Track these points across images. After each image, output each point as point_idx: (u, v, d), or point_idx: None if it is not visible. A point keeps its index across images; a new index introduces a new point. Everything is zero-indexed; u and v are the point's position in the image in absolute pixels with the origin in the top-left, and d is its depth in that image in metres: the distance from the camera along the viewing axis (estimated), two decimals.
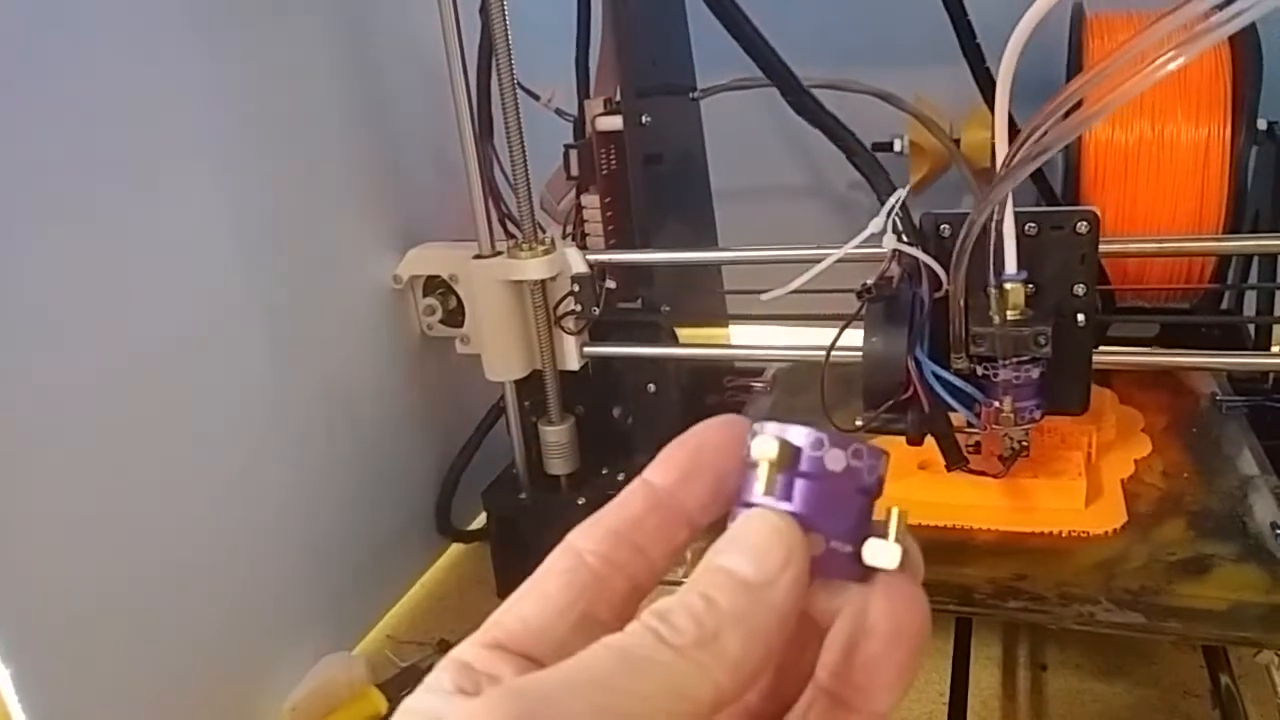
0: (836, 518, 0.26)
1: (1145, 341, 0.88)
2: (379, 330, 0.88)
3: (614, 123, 0.83)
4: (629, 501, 0.27)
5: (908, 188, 0.63)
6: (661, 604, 0.24)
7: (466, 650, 0.25)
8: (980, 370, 0.64)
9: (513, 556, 0.89)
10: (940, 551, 0.66)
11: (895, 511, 0.26)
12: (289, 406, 0.78)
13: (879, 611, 0.26)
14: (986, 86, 0.85)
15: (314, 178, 0.80)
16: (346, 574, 0.84)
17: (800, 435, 0.26)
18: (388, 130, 0.88)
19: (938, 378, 0.62)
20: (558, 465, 0.89)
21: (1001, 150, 0.56)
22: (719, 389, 0.93)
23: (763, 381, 0.93)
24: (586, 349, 0.86)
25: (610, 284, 0.85)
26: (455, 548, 1.00)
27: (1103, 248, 0.79)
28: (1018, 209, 0.60)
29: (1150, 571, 0.63)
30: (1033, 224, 0.63)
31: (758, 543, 0.25)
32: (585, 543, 0.26)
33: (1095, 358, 0.73)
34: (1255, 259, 0.87)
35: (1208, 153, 0.80)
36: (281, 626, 0.78)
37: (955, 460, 0.67)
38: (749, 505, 0.26)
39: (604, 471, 0.89)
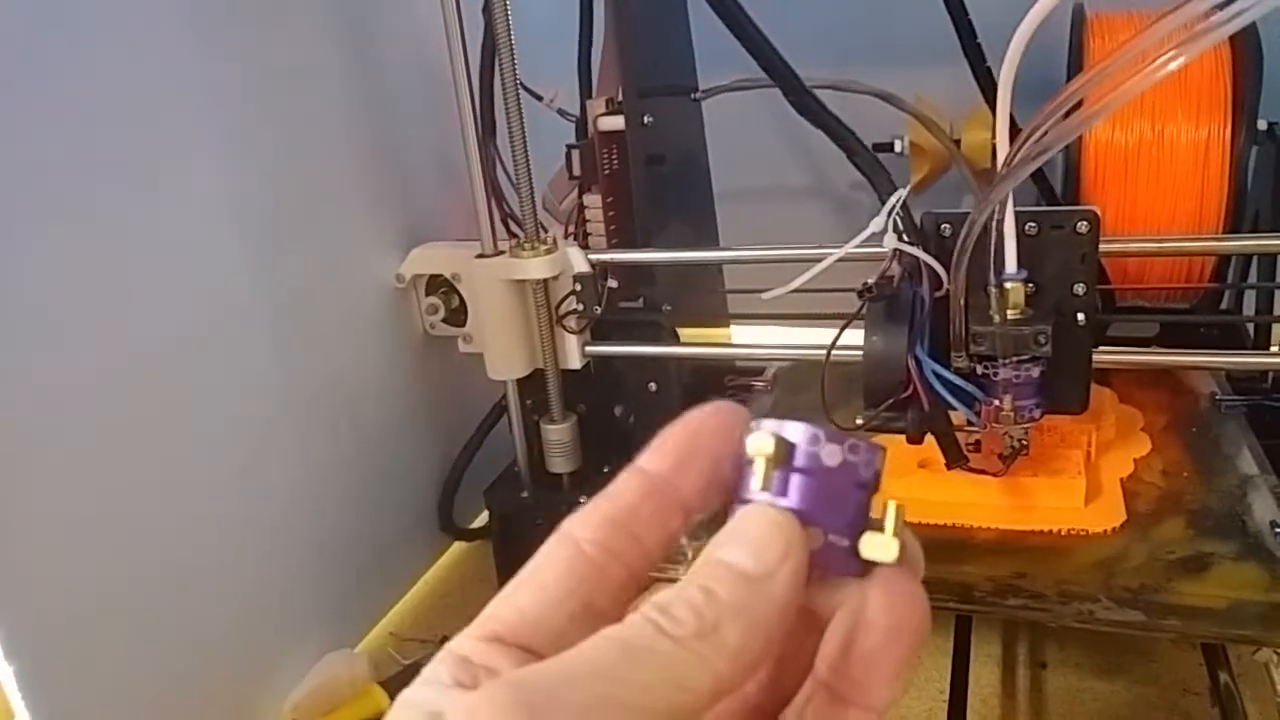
0: (834, 512, 0.26)
1: (1145, 341, 0.88)
2: (382, 329, 0.89)
3: (616, 123, 0.83)
4: (624, 489, 0.27)
5: (908, 188, 0.63)
6: (661, 596, 0.24)
7: (463, 643, 0.25)
8: (980, 369, 0.64)
9: (515, 554, 0.89)
10: (940, 549, 0.67)
11: (893, 505, 0.26)
12: (291, 405, 0.78)
13: (878, 607, 0.26)
14: (987, 86, 0.86)
15: (316, 177, 0.80)
16: (349, 572, 0.84)
17: (796, 431, 0.26)
18: (390, 130, 0.88)
19: (938, 376, 0.62)
20: (560, 464, 0.89)
21: (1002, 150, 0.56)
22: (720, 388, 0.93)
23: (764, 381, 0.94)
24: (588, 348, 0.86)
25: (612, 283, 0.85)
26: (457, 546, 1.00)
27: (1103, 247, 0.79)
28: (1018, 208, 0.60)
29: (1150, 570, 0.63)
30: (1033, 223, 0.63)
31: (757, 536, 0.25)
32: (582, 531, 0.26)
33: (1095, 357, 0.73)
34: (1255, 259, 0.87)
35: (1208, 153, 0.80)
36: (284, 624, 0.78)
37: (955, 459, 0.67)
38: (746, 502, 0.26)
39: (605, 470, 0.89)
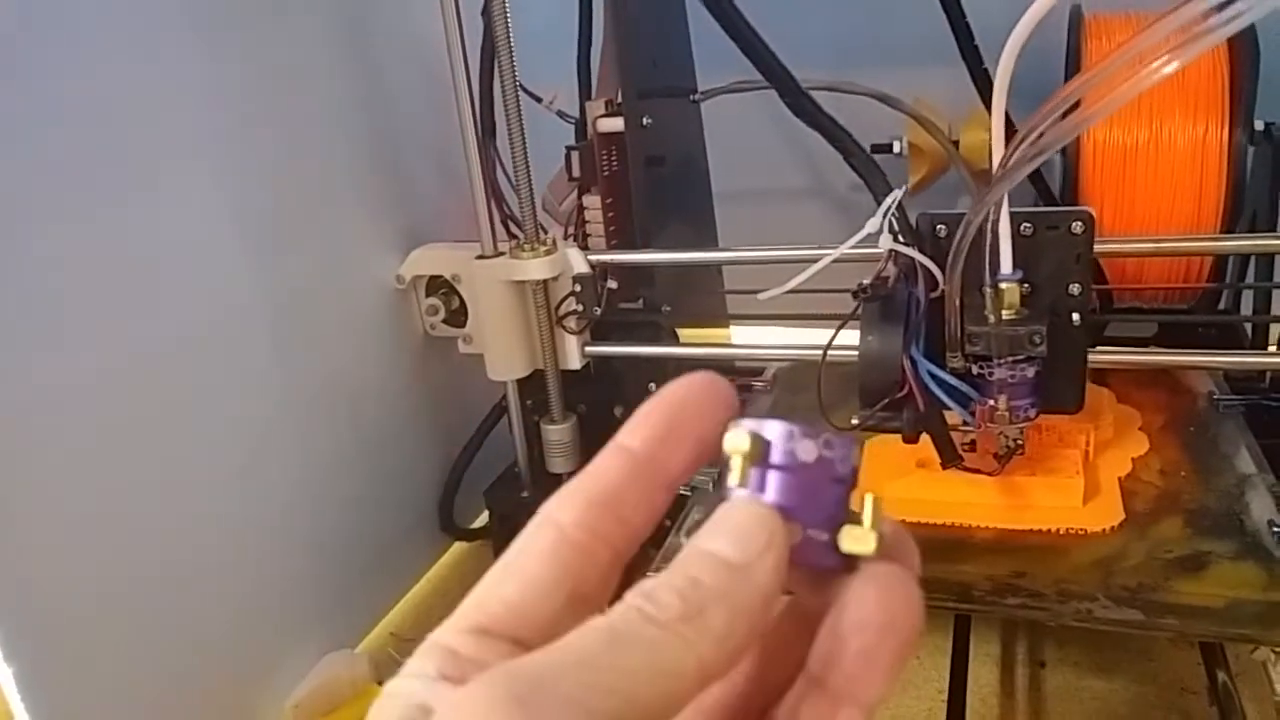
0: (811, 507, 0.26)
1: (1143, 341, 0.88)
2: (382, 330, 0.89)
3: (615, 124, 0.83)
4: (608, 469, 0.27)
5: (904, 188, 0.63)
6: (645, 584, 0.24)
7: (449, 636, 0.25)
8: (976, 369, 0.64)
9: None
10: (939, 549, 0.67)
11: (870, 498, 0.26)
12: (291, 406, 0.78)
13: (872, 602, 0.26)
14: (985, 88, 0.86)
15: (316, 178, 0.80)
16: (349, 572, 0.85)
17: (773, 429, 0.26)
18: (390, 131, 0.88)
19: (932, 376, 0.62)
20: (559, 464, 0.89)
21: (998, 152, 0.56)
22: None
23: (763, 381, 0.94)
24: (588, 348, 0.86)
25: (611, 284, 0.85)
26: (458, 546, 1.00)
27: (1101, 248, 0.80)
28: (1013, 209, 0.60)
29: (1148, 569, 0.63)
30: (1028, 224, 0.63)
31: (739, 526, 0.25)
32: (566, 514, 0.26)
33: (1093, 357, 0.73)
34: (1252, 258, 0.87)
35: (1205, 153, 0.81)
36: (284, 625, 0.78)
37: (950, 458, 0.67)
38: (723, 499, 0.26)
39: None
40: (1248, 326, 0.88)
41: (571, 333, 0.85)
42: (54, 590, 0.59)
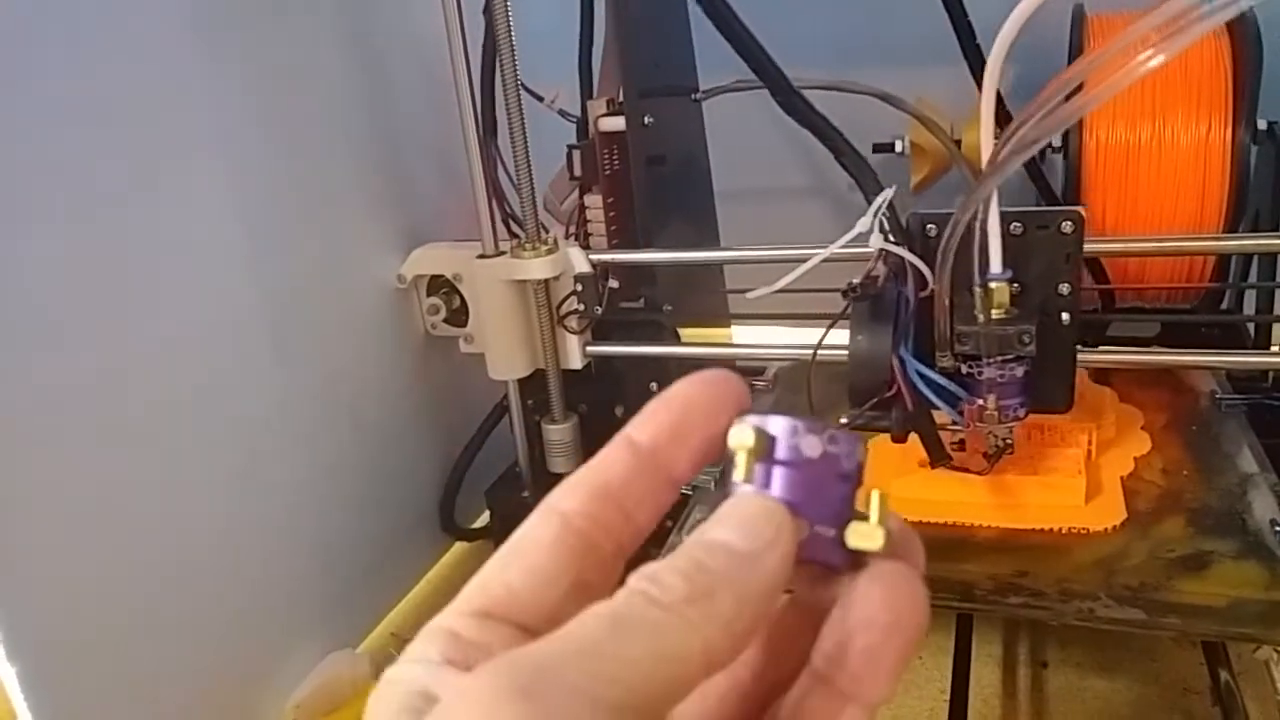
0: (817, 503, 0.26)
1: (1146, 340, 0.88)
2: (383, 330, 0.89)
3: (617, 124, 0.83)
4: (613, 462, 0.27)
5: (893, 188, 0.63)
6: (648, 568, 0.24)
7: (452, 619, 0.25)
8: (965, 368, 0.64)
9: None
10: (941, 548, 0.67)
11: (876, 494, 0.26)
12: (292, 406, 0.78)
13: (878, 601, 0.26)
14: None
15: (318, 178, 0.80)
16: (351, 572, 0.85)
17: (777, 424, 0.26)
18: (392, 131, 0.88)
19: (921, 376, 0.62)
20: (561, 464, 0.89)
21: (987, 148, 0.56)
22: None
23: (765, 380, 0.94)
24: (589, 348, 0.86)
25: (613, 283, 0.85)
26: (459, 546, 1.00)
27: (1103, 247, 0.80)
28: (1003, 209, 0.60)
29: (1150, 568, 0.63)
30: (1018, 224, 0.64)
31: (746, 518, 0.25)
32: (571, 504, 0.26)
33: (1096, 357, 0.73)
34: (1255, 258, 0.87)
35: (1208, 152, 0.80)
36: (286, 625, 0.78)
37: (938, 457, 0.67)
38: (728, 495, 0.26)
39: None
40: (1250, 326, 0.88)
41: (573, 332, 0.85)
42: (56, 590, 0.59)
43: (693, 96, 0.91)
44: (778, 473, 0.26)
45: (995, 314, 0.61)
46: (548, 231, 0.84)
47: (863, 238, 0.62)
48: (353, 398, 0.85)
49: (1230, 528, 0.66)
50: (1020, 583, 0.64)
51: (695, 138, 0.93)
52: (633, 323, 0.87)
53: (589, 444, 0.90)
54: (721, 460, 0.27)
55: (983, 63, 0.79)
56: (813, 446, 0.26)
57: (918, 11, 0.84)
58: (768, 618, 0.24)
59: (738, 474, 0.26)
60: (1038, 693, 0.76)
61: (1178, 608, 0.60)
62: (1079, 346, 0.68)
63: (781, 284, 0.64)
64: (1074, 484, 0.69)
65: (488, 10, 0.78)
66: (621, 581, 0.25)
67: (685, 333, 0.87)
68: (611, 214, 0.86)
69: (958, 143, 0.92)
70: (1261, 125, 0.81)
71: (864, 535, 0.26)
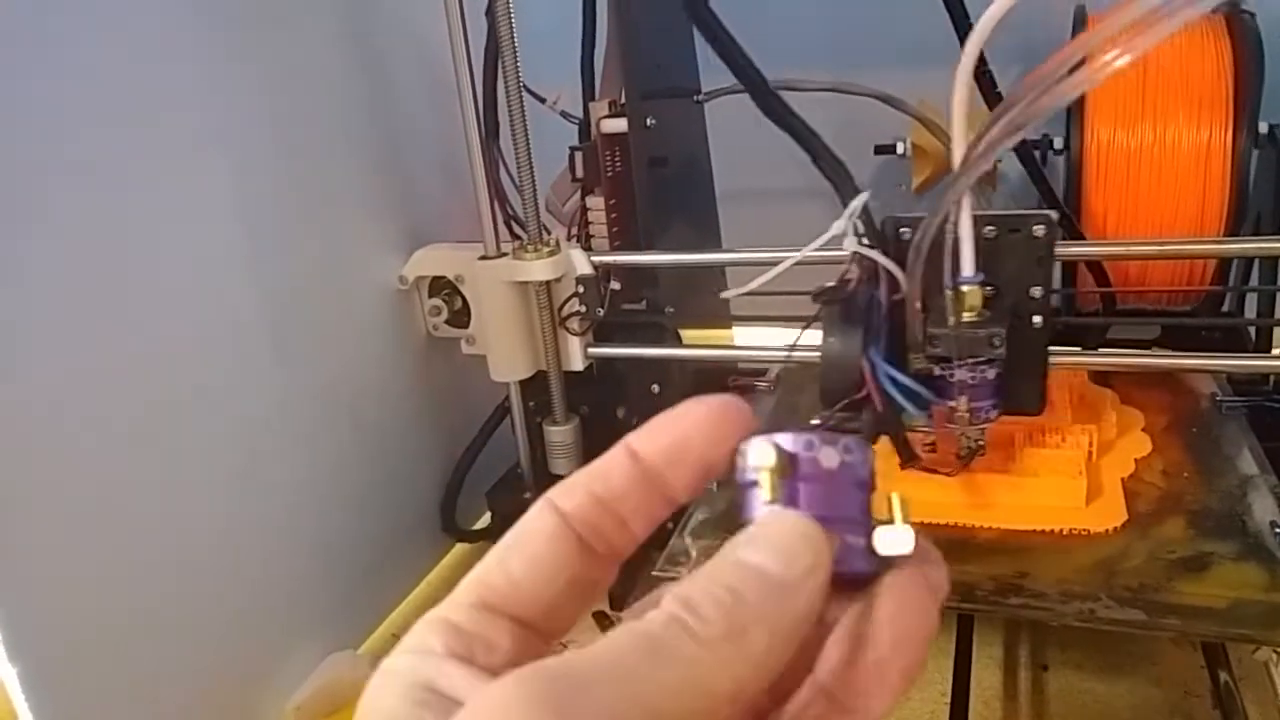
0: (844, 514, 0.26)
1: (1147, 343, 0.88)
2: (385, 331, 0.89)
3: (619, 125, 0.83)
4: (613, 471, 0.27)
5: (867, 193, 0.64)
6: (686, 593, 0.23)
7: (453, 610, 0.25)
8: (938, 370, 0.64)
9: None
10: (942, 549, 0.66)
11: (895, 497, 0.26)
12: (294, 406, 0.78)
13: (887, 616, 0.26)
14: (988, 90, 0.86)
15: (319, 178, 0.80)
16: (352, 573, 0.85)
17: (789, 441, 0.26)
18: (394, 132, 0.88)
19: (890, 378, 0.63)
20: (562, 465, 0.89)
21: (959, 150, 0.56)
22: (722, 389, 0.93)
23: (766, 382, 0.94)
24: (591, 350, 0.86)
25: (614, 285, 0.85)
26: (460, 547, 1.00)
27: (1104, 250, 0.80)
28: (976, 212, 0.61)
29: (1150, 569, 0.63)
30: (991, 227, 0.64)
31: (786, 545, 0.24)
32: (568, 504, 0.26)
33: (1097, 360, 0.73)
34: (1256, 261, 0.87)
35: (1209, 156, 0.80)
36: (286, 626, 0.78)
37: (907, 458, 0.67)
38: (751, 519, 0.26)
39: None
40: (1251, 329, 0.88)
41: (574, 334, 0.85)
42: (56, 590, 0.59)
43: (695, 98, 0.91)
44: (802, 489, 0.26)
45: (967, 317, 0.62)
46: (549, 233, 0.84)
47: (837, 240, 0.62)
48: (354, 398, 0.85)
49: (1230, 529, 0.66)
50: (1021, 584, 0.64)
51: (697, 139, 0.94)
52: (634, 324, 0.87)
53: (590, 445, 0.90)
54: (730, 476, 0.27)
55: (984, 65, 0.80)
56: (830, 458, 0.26)
57: (919, 13, 0.84)
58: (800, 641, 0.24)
59: (765, 494, 0.26)
60: (1038, 695, 0.76)
61: (1178, 609, 0.60)
62: (1080, 349, 0.68)
63: (753, 285, 0.65)
64: (1075, 485, 0.69)
65: (490, 12, 0.78)
66: (622, 581, 0.25)
67: (687, 334, 0.87)
68: (613, 215, 0.86)
69: None
70: (1263, 129, 0.81)
71: (894, 540, 0.26)
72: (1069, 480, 0.70)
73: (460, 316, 0.90)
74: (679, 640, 0.22)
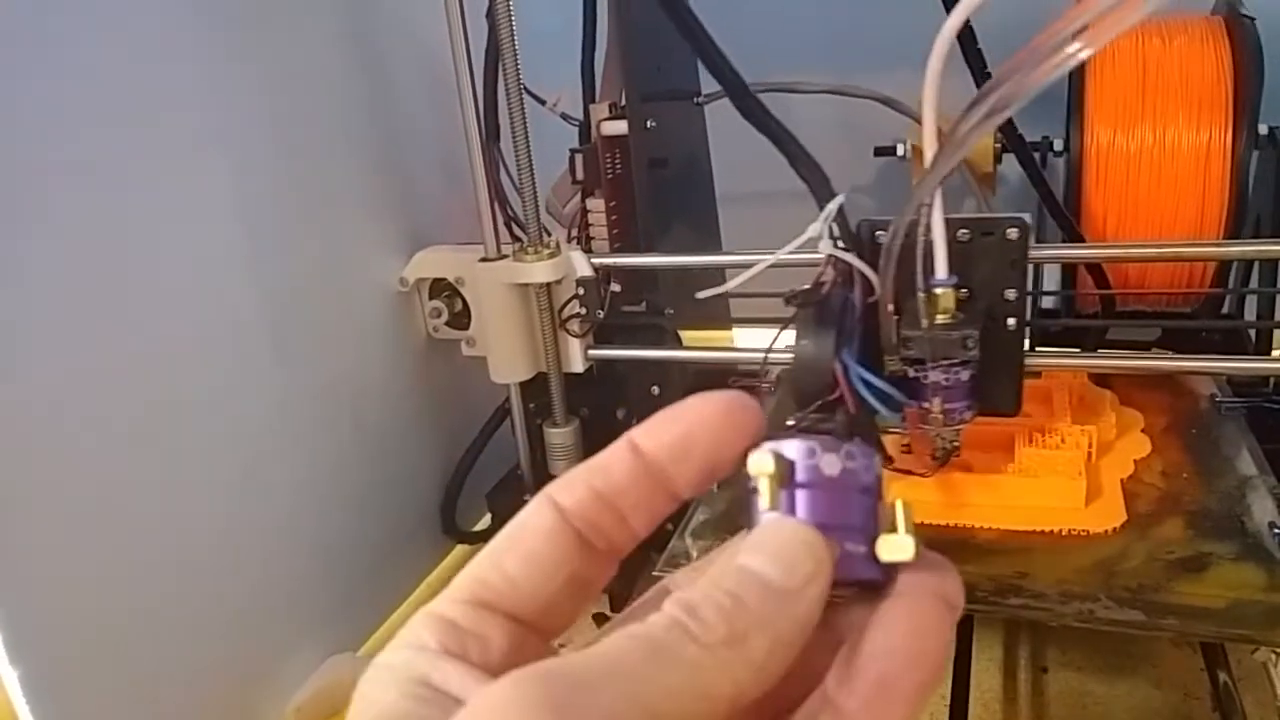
0: (845, 521, 0.26)
1: (1146, 344, 0.88)
2: (385, 332, 0.89)
3: (619, 127, 0.83)
4: (615, 466, 0.27)
5: (842, 196, 0.64)
6: (687, 597, 0.23)
7: (448, 606, 0.25)
8: (913, 372, 0.64)
9: None
10: (942, 550, 0.65)
11: (899, 504, 0.26)
12: (294, 408, 0.78)
13: (902, 631, 0.25)
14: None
15: (321, 180, 0.80)
16: (351, 575, 0.85)
17: (793, 448, 0.26)
18: (394, 134, 0.88)
19: (862, 380, 0.63)
20: (562, 467, 0.89)
21: (929, 151, 0.56)
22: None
23: (766, 383, 0.94)
24: (591, 351, 0.86)
25: (615, 287, 0.85)
26: (460, 549, 1.00)
27: (1104, 253, 0.80)
28: (949, 215, 0.61)
29: (1149, 570, 0.63)
30: (964, 230, 0.65)
31: (787, 553, 0.24)
32: (568, 499, 0.26)
33: (1097, 362, 0.73)
34: (1256, 263, 0.87)
35: (1209, 158, 0.81)
36: (286, 628, 0.78)
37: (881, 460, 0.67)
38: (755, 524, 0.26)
39: None
40: (1251, 331, 0.88)
41: (574, 336, 0.85)
42: (57, 592, 0.59)
43: (695, 100, 0.91)
44: (801, 496, 0.26)
45: (940, 319, 0.62)
46: (550, 235, 0.84)
47: (812, 242, 0.63)
48: (354, 400, 0.85)
49: (1229, 530, 0.66)
50: (1020, 584, 0.64)
51: (697, 141, 0.94)
52: (634, 326, 0.87)
53: (590, 447, 0.89)
54: (733, 476, 0.27)
55: (984, 67, 0.80)
56: (831, 465, 0.26)
57: (919, 15, 0.84)
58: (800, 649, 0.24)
59: (763, 501, 0.26)
60: (1038, 697, 0.75)
61: (1177, 609, 0.60)
62: (1079, 350, 0.68)
63: (729, 286, 0.66)
64: (1074, 486, 0.69)
65: (490, 14, 0.78)
66: (622, 582, 0.25)
67: (687, 336, 0.87)
68: (613, 217, 0.86)
69: None
70: (1262, 130, 0.81)
71: (896, 547, 0.26)
72: (1068, 481, 0.70)
73: (460, 318, 0.90)
74: (680, 643, 0.22)
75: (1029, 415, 0.74)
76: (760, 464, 0.26)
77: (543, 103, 0.90)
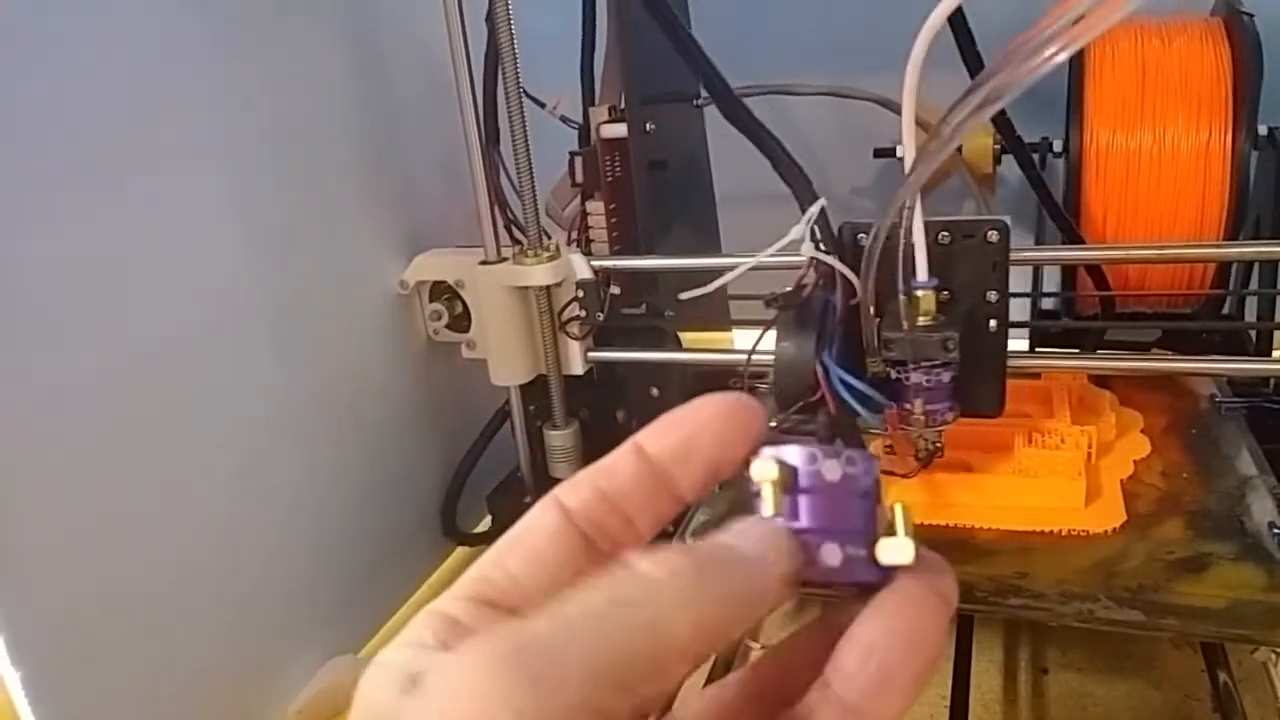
0: (846, 525, 0.26)
1: (1146, 345, 0.88)
2: (385, 335, 0.89)
3: (618, 130, 0.84)
4: (621, 468, 0.27)
5: (823, 200, 0.65)
6: (647, 548, 0.24)
7: (450, 604, 0.25)
8: (894, 374, 0.65)
9: None
10: (941, 550, 0.65)
11: (899, 507, 0.27)
12: (294, 410, 0.78)
13: (899, 621, 0.26)
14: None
15: (321, 183, 0.80)
16: (352, 577, 0.85)
17: (794, 454, 0.26)
18: (394, 137, 0.89)
19: (843, 382, 0.63)
20: (562, 469, 0.89)
21: (909, 154, 0.57)
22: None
23: (766, 384, 0.94)
24: (591, 354, 0.86)
25: (614, 289, 0.85)
26: (460, 551, 1.00)
27: (1104, 254, 0.80)
28: (929, 218, 0.62)
29: (1149, 570, 0.63)
30: (945, 233, 0.65)
31: (755, 535, 0.25)
32: (573, 500, 0.27)
33: (1098, 363, 0.73)
34: (1256, 264, 0.87)
35: (1208, 158, 0.81)
36: (287, 630, 0.78)
37: None
38: None
39: None
40: (1251, 332, 0.88)
41: (574, 338, 0.85)
42: (57, 593, 0.59)
43: (694, 102, 0.91)
44: (804, 502, 0.26)
45: (921, 321, 0.63)
46: (550, 238, 0.84)
47: (794, 245, 0.63)
48: (355, 402, 0.85)
49: (1229, 530, 0.66)
50: (1020, 584, 0.64)
51: (697, 143, 0.94)
52: (634, 328, 0.87)
53: (590, 449, 0.90)
54: (734, 478, 0.27)
55: (983, 69, 0.80)
56: (832, 470, 0.26)
57: (918, 17, 0.84)
58: (759, 621, 0.24)
59: (767, 508, 0.26)
60: (1038, 698, 0.75)
61: (1176, 609, 0.60)
62: (1081, 351, 0.68)
63: (711, 287, 0.68)
64: (1074, 486, 0.69)
65: (490, 17, 0.78)
66: None
67: (686, 338, 0.87)
68: (613, 220, 0.86)
69: (958, 148, 0.93)
70: (1262, 131, 0.81)
71: (896, 550, 0.26)
72: (1068, 481, 0.70)
73: (461, 321, 0.90)
74: (637, 578, 0.22)
75: (1029, 415, 0.74)
76: (764, 471, 0.26)
77: (542, 106, 0.90)
